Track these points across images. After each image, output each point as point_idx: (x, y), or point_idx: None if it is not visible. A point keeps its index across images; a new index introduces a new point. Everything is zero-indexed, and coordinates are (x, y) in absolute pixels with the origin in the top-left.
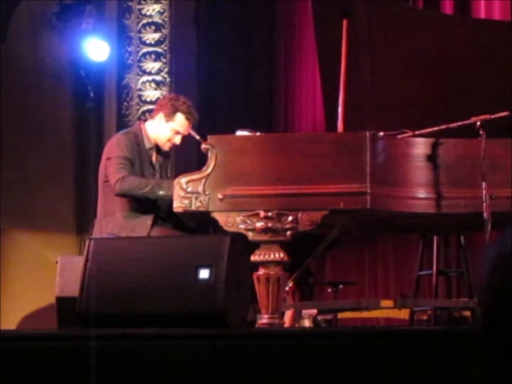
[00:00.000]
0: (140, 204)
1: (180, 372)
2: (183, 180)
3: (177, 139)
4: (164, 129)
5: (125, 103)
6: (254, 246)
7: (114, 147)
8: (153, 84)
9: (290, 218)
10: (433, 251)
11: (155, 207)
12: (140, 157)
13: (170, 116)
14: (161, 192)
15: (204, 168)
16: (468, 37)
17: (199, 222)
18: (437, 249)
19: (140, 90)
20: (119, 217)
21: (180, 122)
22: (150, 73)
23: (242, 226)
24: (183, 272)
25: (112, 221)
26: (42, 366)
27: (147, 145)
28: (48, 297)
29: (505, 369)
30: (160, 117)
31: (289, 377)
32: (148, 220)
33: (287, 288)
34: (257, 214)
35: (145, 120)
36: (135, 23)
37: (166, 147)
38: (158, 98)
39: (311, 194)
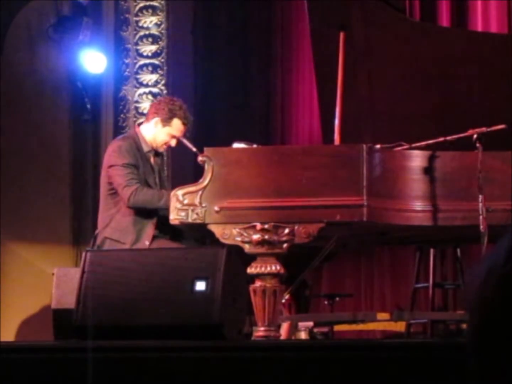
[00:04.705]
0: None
1: None
2: (179, 192)
3: (173, 142)
4: (161, 134)
5: (122, 115)
6: (250, 258)
7: (116, 154)
8: (150, 96)
9: (286, 230)
10: (430, 264)
11: (158, 215)
12: (141, 161)
13: (167, 121)
14: None
15: (200, 181)
16: (465, 49)
17: (199, 235)
18: (434, 261)
19: (137, 102)
20: (124, 221)
21: (177, 127)
22: (147, 85)
23: (238, 239)
24: (179, 284)
25: (113, 225)
26: (38, 378)
27: (145, 149)
28: (45, 309)
29: None
30: (156, 122)
31: None
32: (152, 222)
33: (283, 301)
34: (254, 227)
35: (139, 124)
36: (132, 35)
37: (161, 149)
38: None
39: (307, 207)
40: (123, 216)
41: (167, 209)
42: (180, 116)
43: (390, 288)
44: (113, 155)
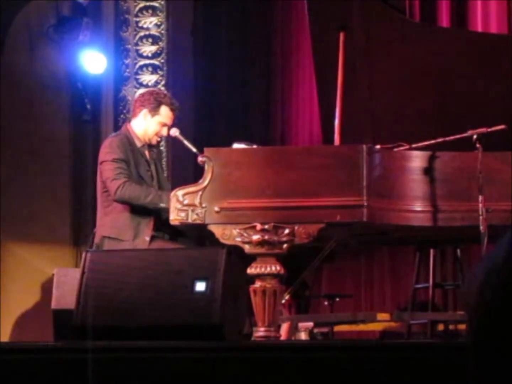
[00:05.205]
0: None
1: None
2: (179, 192)
3: (164, 131)
4: (152, 124)
5: (122, 116)
6: (250, 258)
7: (107, 150)
8: None
9: (286, 231)
10: (430, 264)
11: (155, 212)
12: (134, 156)
13: (155, 110)
14: (161, 204)
15: (200, 181)
16: (465, 50)
17: (199, 235)
18: (434, 262)
19: None
20: (121, 218)
21: (165, 114)
22: (147, 86)
23: (238, 239)
24: (179, 285)
25: (110, 224)
26: (38, 379)
27: (138, 144)
28: (45, 309)
29: None
30: (145, 113)
31: None
32: (150, 217)
33: (283, 301)
34: (254, 227)
35: (129, 121)
36: (132, 36)
37: (154, 141)
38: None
39: (307, 207)
40: (119, 213)
41: (155, 208)
42: (166, 103)
43: (390, 288)
44: (104, 151)
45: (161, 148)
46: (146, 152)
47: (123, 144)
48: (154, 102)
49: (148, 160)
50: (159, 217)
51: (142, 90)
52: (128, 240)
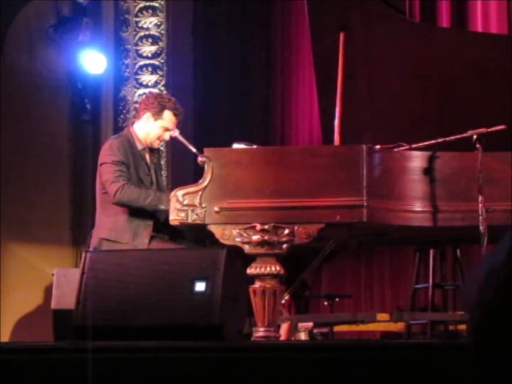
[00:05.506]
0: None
1: None
2: (179, 193)
3: (166, 136)
4: (154, 128)
5: (121, 116)
6: (250, 259)
7: (107, 152)
8: None
9: (286, 231)
10: (430, 264)
11: (154, 214)
12: (134, 159)
13: (158, 114)
14: (161, 206)
15: (200, 181)
16: (465, 50)
17: (198, 236)
18: (433, 262)
19: (136, 102)
20: (120, 220)
21: (168, 118)
22: (147, 86)
23: (238, 239)
24: (179, 285)
25: (108, 226)
26: (38, 379)
27: (139, 147)
28: (45, 309)
29: None
30: (148, 117)
31: None
32: (149, 220)
33: (283, 301)
34: (254, 227)
35: (132, 123)
36: (132, 36)
37: (155, 144)
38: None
39: (307, 207)
40: (118, 215)
41: (154, 210)
42: (170, 107)
43: (390, 288)
44: (104, 153)
45: (161, 148)
46: (147, 156)
47: (124, 147)
48: (158, 106)
49: (148, 164)
50: (158, 219)
51: (142, 91)
52: (127, 243)
